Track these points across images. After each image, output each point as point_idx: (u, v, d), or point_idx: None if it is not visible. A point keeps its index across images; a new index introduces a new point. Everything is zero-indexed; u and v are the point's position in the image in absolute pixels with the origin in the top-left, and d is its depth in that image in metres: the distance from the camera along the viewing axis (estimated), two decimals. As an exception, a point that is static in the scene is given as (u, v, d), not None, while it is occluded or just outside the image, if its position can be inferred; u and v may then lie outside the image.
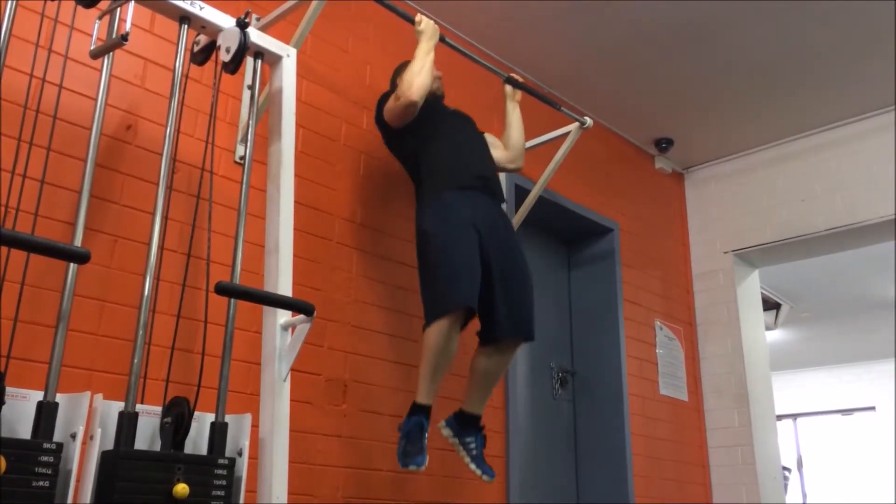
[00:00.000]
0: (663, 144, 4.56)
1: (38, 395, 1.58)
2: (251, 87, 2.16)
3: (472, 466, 2.55)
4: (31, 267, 1.80)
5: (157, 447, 1.71)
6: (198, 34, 2.14)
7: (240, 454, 1.76)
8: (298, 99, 2.48)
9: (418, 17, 2.69)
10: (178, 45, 1.97)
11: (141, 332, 1.71)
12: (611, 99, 4.12)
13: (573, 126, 3.29)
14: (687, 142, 4.58)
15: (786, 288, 6.80)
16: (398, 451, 2.40)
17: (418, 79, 2.56)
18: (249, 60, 2.19)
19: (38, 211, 1.86)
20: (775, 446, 4.45)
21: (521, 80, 3.14)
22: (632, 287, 4.17)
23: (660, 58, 3.75)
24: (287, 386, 1.90)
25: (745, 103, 4.15)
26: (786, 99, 4.10)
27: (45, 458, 1.48)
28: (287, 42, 2.28)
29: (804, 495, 9.93)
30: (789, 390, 9.63)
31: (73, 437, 1.56)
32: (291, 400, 1.92)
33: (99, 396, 1.64)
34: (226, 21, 2.05)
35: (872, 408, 9.63)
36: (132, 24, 1.81)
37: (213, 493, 1.67)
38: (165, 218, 1.94)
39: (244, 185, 1.99)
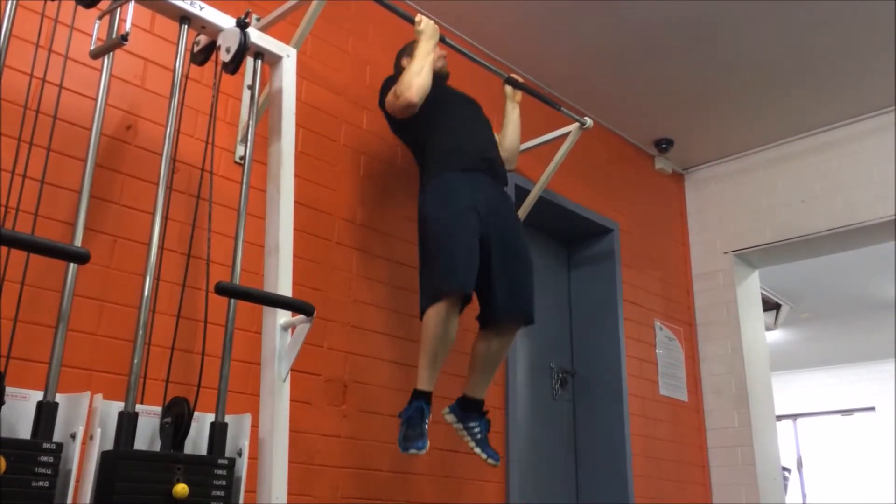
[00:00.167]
0: (663, 145, 4.56)
1: (38, 395, 1.58)
2: (251, 88, 2.16)
3: (478, 450, 2.54)
4: (31, 267, 1.80)
5: (157, 447, 1.71)
6: (198, 34, 2.14)
7: (239, 454, 1.76)
8: (298, 99, 2.48)
9: (418, 17, 2.69)
10: (178, 45, 1.97)
11: (141, 332, 1.71)
12: (611, 99, 4.12)
13: (573, 126, 3.29)
14: (687, 142, 4.58)
15: (786, 288, 6.80)
16: (399, 438, 2.40)
17: (418, 80, 2.56)
18: (249, 61, 2.19)
19: (38, 211, 1.86)
20: (775, 447, 4.45)
21: (521, 80, 3.14)
22: (632, 287, 4.17)
23: (660, 58, 3.76)
24: (287, 386, 1.90)
25: (745, 104, 4.16)
26: (786, 99, 4.11)
27: (44, 459, 1.48)
28: (287, 42, 2.28)
29: (804, 496, 9.93)
30: (789, 391, 9.63)
31: (73, 437, 1.56)
32: (291, 400, 1.92)
33: (99, 396, 1.64)
34: (226, 21, 2.06)
35: (872, 408, 9.63)
36: (132, 24, 1.81)
37: (213, 493, 1.67)
38: (165, 218, 1.94)
39: (244, 186, 1.99)
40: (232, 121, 2.59)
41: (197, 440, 1.78)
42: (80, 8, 1.89)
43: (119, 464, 1.55)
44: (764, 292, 5.91)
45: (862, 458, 9.54)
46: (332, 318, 2.68)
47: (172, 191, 2.30)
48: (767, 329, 5.98)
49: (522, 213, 3.32)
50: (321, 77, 2.91)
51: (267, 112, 2.22)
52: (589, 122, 3.29)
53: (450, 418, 2.61)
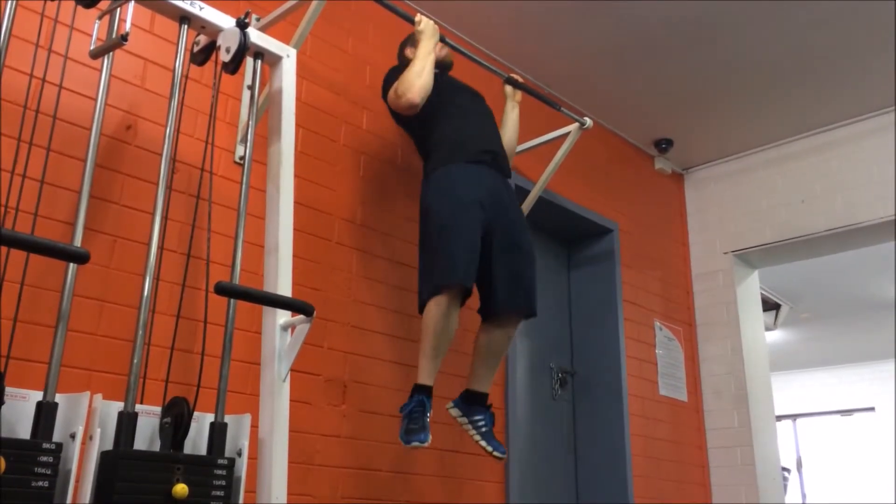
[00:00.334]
0: (663, 145, 4.56)
1: (38, 395, 1.58)
2: (251, 88, 2.16)
3: (483, 443, 2.52)
4: (30, 267, 1.80)
5: (157, 447, 1.71)
6: (198, 34, 2.14)
7: (239, 454, 1.76)
8: (298, 99, 2.48)
9: (418, 17, 2.69)
10: (177, 46, 1.97)
11: (140, 332, 1.71)
12: (611, 99, 4.12)
13: (573, 126, 3.29)
14: (687, 142, 4.58)
15: (785, 288, 6.80)
16: (400, 431, 2.39)
17: (419, 80, 2.56)
18: (249, 61, 2.19)
19: (38, 211, 1.86)
20: (775, 447, 4.45)
21: (520, 80, 3.15)
22: (631, 287, 4.17)
23: (660, 58, 3.76)
24: (286, 386, 1.90)
25: (745, 104, 4.16)
26: (786, 99, 4.11)
27: (44, 459, 1.48)
28: (287, 42, 2.28)
29: (803, 496, 9.93)
30: (789, 391, 9.63)
31: (73, 437, 1.56)
32: (291, 400, 1.92)
33: (98, 396, 1.64)
34: (226, 21, 2.05)
35: (872, 408, 9.63)
36: (132, 24, 1.81)
37: (213, 493, 1.67)
38: (165, 218, 1.94)
39: (244, 186, 1.99)
40: (232, 121, 2.59)
41: (196, 440, 1.78)
42: (79, 8, 1.89)
43: (119, 464, 1.55)
44: (764, 292, 5.91)
45: (861, 459, 9.54)
46: (331, 318, 2.68)
47: (172, 191, 2.30)
48: (767, 329, 5.98)
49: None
50: (321, 77, 2.91)
51: (267, 112, 2.22)
52: (589, 122, 3.29)
53: (454, 412, 2.60)
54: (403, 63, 2.78)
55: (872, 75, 3.87)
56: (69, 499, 1.53)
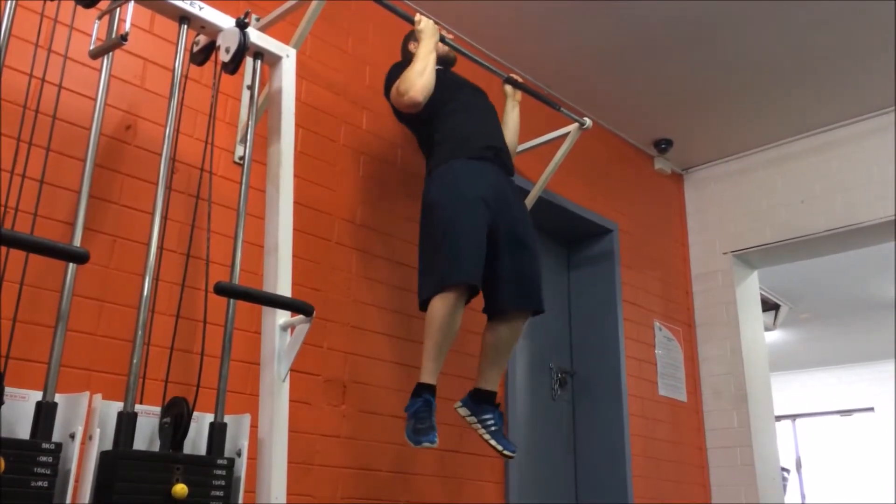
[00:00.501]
0: (663, 145, 4.56)
1: (37, 395, 1.58)
2: (251, 88, 2.16)
3: (493, 443, 2.50)
4: (30, 267, 1.80)
5: (156, 447, 1.71)
6: (197, 34, 2.14)
7: (239, 454, 1.76)
8: (298, 99, 2.49)
9: (417, 17, 2.69)
10: (177, 46, 1.97)
11: (140, 332, 1.71)
12: (610, 99, 4.12)
13: (572, 127, 3.29)
14: (686, 142, 4.58)
15: (785, 289, 6.80)
16: (407, 431, 2.36)
17: (421, 79, 2.55)
18: (249, 61, 2.19)
19: (38, 211, 1.86)
20: (774, 447, 4.45)
21: (520, 80, 3.15)
22: (631, 288, 4.17)
23: (659, 58, 3.76)
24: (286, 386, 1.90)
25: (744, 104, 4.16)
26: (785, 99, 4.11)
27: (43, 459, 1.48)
28: (287, 42, 2.28)
29: (803, 496, 9.93)
30: (788, 391, 9.63)
31: (72, 437, 1.56)
32: (290, 400, 1.92)
33: (98, 396, 1.64)
34: (225, 21, 2.05)
35: (871, 408, 9.63)
36: (132, 24, 1.81)
37: (212, 493, 1.67)
38: (165, 218, 1.94)
39: (243, 186, 1.99)
40: (231, 121, 2.59)
41: (196, 440, 1.78)
42: (79, 8, 1.89)
43: (118, 464, 1.55)
44: (763, 293, 5.91)
45: (861, 459, 9.54)
46: (331, 319, 2.68)
47: (172, 191, 2.30)
48: (767, 329, 5.98)
49: (522, 213, 3.32)
50: (321, 77, 2.91)
51: (266, 112, 2.22)
52: (588, 122, 3.29)
53: (463, 412, 2.58)
54: (407, 58, 2.78)
55: (872, 75, 3.87)
56: (68, 499, 1.53)
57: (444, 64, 2.82)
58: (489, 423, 2.53)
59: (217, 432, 1.76)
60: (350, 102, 3.00)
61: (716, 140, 4.56)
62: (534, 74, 3.88)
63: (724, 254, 4.58)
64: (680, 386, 4.33)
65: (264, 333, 1.97)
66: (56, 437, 1.55)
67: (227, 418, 1.80)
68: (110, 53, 1.89)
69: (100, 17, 1.96)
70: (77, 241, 1.70)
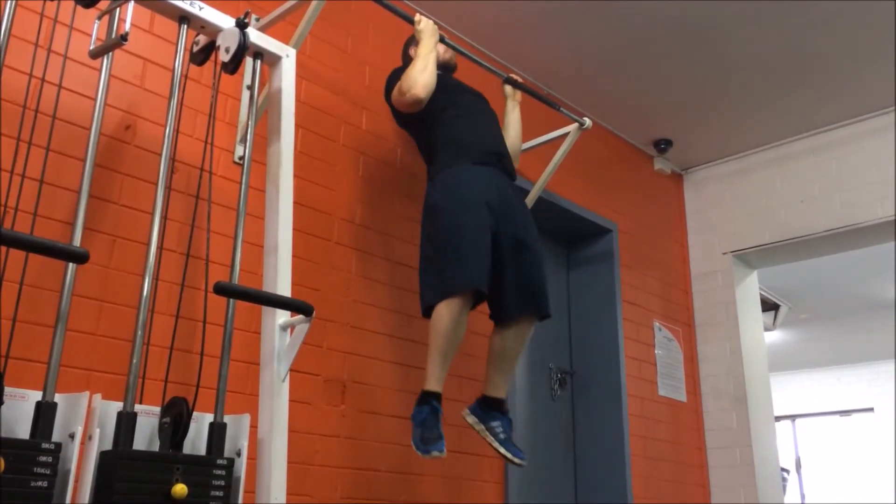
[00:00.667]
0: (662, 145, 4.56)
1: (37, 395, 1.58)
2: (250, 88, 2.16)
3: (502, 450, 2.45)
4: (30, 267, 1.80)
5: (156, 447, 1.71)
6: (197, 34, 2.14)
7: (238, 454, 1.76)
8: (298, 99, 2.49)
9: (417, 17, 2.69)
10: (177, 45, 1.97)
11: (140, 332, 1.71)
12: (610, 100, 4.12)
13: (572, 127, 3.29)
14: (686, 142, 4.58)
15: (784, 289, 6.80)
16: (414, 440, 2.32)
17: (423, 76, 2.55)
18: (249, 61, 2.19)
19: (37, 211, 1.86)
20: (774, 447, 4.45)
21: (520, 80, 3.15)
22: (631, 288, 4.17)
23: (659, 59, 3.76)
24: (286, 386, 1.90)
25: (744, 104, 4.16)
26: (785, 100, 4.11)
27: (43, 459, 1.48)
28: (286, 42, 2.28)
29: (802, 496, 9.94)
30: (788, 391, 9.63)
31: (72, 437, 1.56)
32: (290, 400, 1.92)
33: (97, 396, 1.64)
34: (225, 21, 2.05)
35: (871, 409, 9.63)
36: (132, 24, 1.81)
37: (212, 493, 1.67)
38: (164, 218, 1.94)
39: (243, 186, 1.99)
40: (231, 121, 2.59)
41: (196, 440, 1.78)
42: (79, 8, 1.89)
43: (118, 464, 1.55)
44: (763, 293, 5.91)
45: (860, 459, 9.54)
46: (331, 319, 2.68)
47: (171, 191, 2.30)
48: (766, 330, 5.98)
49: (522, 213, 3.32)
50: (320, 77, 2.91)
51: (266, 112, 2.22)
52: (588, 122, 3.29)
53: (471, 419, 2.54)
54: (407, 63, 2.78)
55: (872, 76, 3.87)
56: (68, 499, 1.53)
57: (445, 70, 2.81)
58: (497, 430, 2.49)
59: (217, 432, 1.76)
60: (350, 102, 3.00)
61: (715, 140, 4.56)
62: (533, 74, 3.88)
63: (724, 254, 4.58)
64: (679, 386, 4.33)
65: (264, 333, 1.97)
66: (56, 437, 1.55)
67: (226, 418, 1.80)
68: (110, 53, 1.89)
69: (100, 17, 1.96)
70: (77, 241, 1.70)
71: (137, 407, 1.67)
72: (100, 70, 1.88)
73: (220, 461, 1.71)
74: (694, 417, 4.38)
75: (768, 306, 6.95)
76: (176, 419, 1.71)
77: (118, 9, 1.91)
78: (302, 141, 2.73)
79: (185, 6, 1.98)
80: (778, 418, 5.71)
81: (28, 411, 1.56)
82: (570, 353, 4.05)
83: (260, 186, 2.29)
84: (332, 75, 2.96)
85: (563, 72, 3.87)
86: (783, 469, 6.09)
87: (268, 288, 1.98)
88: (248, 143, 2.08)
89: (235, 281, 1.92)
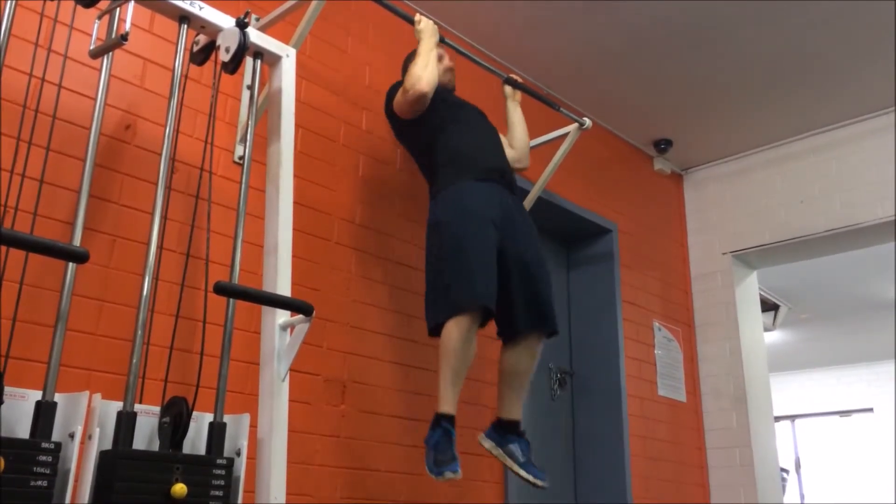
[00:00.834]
0: (662, 145, 4.56)
1: (37, 395, 1.58)
2: (250, 88, 2.16)
3: (523, 473, 2.39)
4: (29, 266, 1.80)
5: (156, 447, 1.71)
6: (197, 34, 2.14)
7: (238, 454, 1.77)
8: (298, 99, 2.49)
9: (417, 17, 2.69)
10: (177, 45, 1.97)
11: (140, 331, 1.71)
12: (610, 100, 4.12)
13: (572, 127, 3.30)
14: (686, 143, 4.58)
15: (784, 289, 6.80)
16: (427, 464, 2.26)
17: (426, 72, 2.53)
18: (249, 60, 2.19)
19: (37, 210, 1.86)
20: (773, 447, 4.45)
21: (519, 80, 3.15)
22: (630, 288, 4.17)
23: (659, 59, 3.76)
24: (286, 386, 1.90)
25: (744, 104, 4.16)
26: (785, 100, 4.11)
27: (43, 458, 1.48)
28: (286, 42, 2.28)
29: (802, 496, 9.94)
30: (787, 391, 9.63)
31: (72, 436, 1.56)
32: (290, 400, 1.92)
33: (97, 396, 1.64)
34: (225, 21, 2.06)
35: (870, 409, 9.63)
36: (132, 24, 1.81)
37: (212, 493, 1.67)
38: (164, 218, 1.94)
39: (243, 185, 1.99)
40: (231, 121, 2.59)
41: (195, 440, 1.78)
42: (79, 8, 1.89)
43: (117, 463, 1.55)
44: (762, 293, 5.91)
45: (860, 460, 9.54)
46: (330, 318, 2.68)
47: (171, 190, 2.30)
48: (766, 330, 5.99)
49: (521, 213, 3.32)
50: (320, 77, 2.91)
51: (266, 112, 2.22)
52: (588, 122, 3.29)
53: (487, 444, 2.49)
54: None
55: (872, 76, 3.88)
56: (68, 498, 1.53)
57: (445, 91, 2.79)
58: (516, 453, 2.44)
59: (216, 432, 1.77)
60: (350, 102, 3.00)
61: (715, 140, 4.56)
62: (533, 74, 3.88)
63: (724, 254, 4.58)
64: (679, 386, 4.33)
65: (264, 333, 1.97)
66: (55, 437, 1.55)
67: (226, 418, 1.80)
68: (110, 53, 1.89)
69: (100, 17, 1.96)
70: (77, 241, 1.70)
71: (137, 406, 1.67)
72: (100, 70, 1.88)
73: (219, 461, 1.71)
74: (694, 417, 4.38)
75: (768, 306, 6.95)
76: (176, 419, 1.72)
77: (118, 9, 1.91)
78: (302, 141, 2.73)
79: (185, 6, 1.98)
80: (777, 418, 5.71)
81: (28, 411, 1.57)
82: (569, 354, 4.05)
83: (260, 186, 2.29)
84: (332, 75, 2.96)
85: (562, 72, 3.87)
86: (783, 469, 6.09)
87: (268, 288, 1.99)
88: (248, 143, 2.08)
89: (235, 281, 1.92)
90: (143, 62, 2.39)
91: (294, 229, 2.06)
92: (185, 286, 2.13)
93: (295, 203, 2.11)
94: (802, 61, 3.77)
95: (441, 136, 2.65)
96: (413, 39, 2.69)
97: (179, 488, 1.60)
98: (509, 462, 2.43)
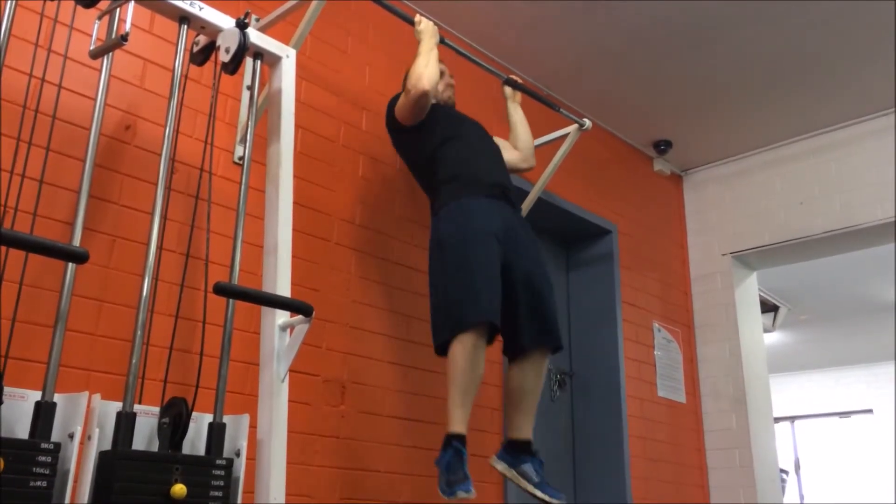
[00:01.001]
0: (662, 146, 4.56)
1: (36, 395, 1.58)
2: (250, 88, 2.16)
3: (539, 494, 2.34)
4: (29, 266, 1.80)
5: (155, 447, 1.71)
6: (197, 34, 2.14)
7: (238, 455, 1.76)
8: (297, 100, 2.49)
9: (417, 18, 2.69)
10: (177, 46, 1.97)
11: (139, 332, 1.71)
12: (610, 101, 4.13)
13: (572, 128, 3.30)
14: (686, 144, 4.58)
15: (784, 290, 6.81)
16: (440, 486, 2.22)
17: (427, 70, 2.52)
18: (249, 61, 2.19)
19: (37, 210, 1.86)
20: (773, 449, 4.45)
21: (519, 81, 3.15)
22: (630, 289, 4.17)
23: (659, 60, 3.76)
24: (285, 386, 1.90)
25: (743, 105, 4.16)
26: (784, 101, 4.11)
27: (42, 458, 1.48)
28: (286, 43, 2.28)
29: (801, 498, 9.94)
30: (787, 393, 9.63)
31: (71, 437, 1.56)
32: (289, 400, 1.92)
33: (97, 396, 1.64)
34: (225, 21, 2.06)
35: (870, 410, 9.64)
36: (132, 25, 1.81)
37: (211, 493, 1.67)
38: (164, 218, 1.94)
39: (243, 186, 1.99)
40: (231, 121, 2.59)
41: (195, 440, 1.78)
42: (79, 8, 1.90)
43: (117, 464, 1.55)
44: (762, 294, 5.92)
45: (860, 461, 9.54)
46: (330, 319, 2.68)
47: (171, 191, 2.30)
48: (765, 331, 5.99)
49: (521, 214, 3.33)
50: (320, 78, 2.91)
51: (266, 112, 2.22)
52: (588, 123, 3.29)
53: (500, 466, 2.44)
54: None
55: (871, 77, 3.88)
56: (67, 499, 1.53)
57: (445, 104, 2.79)
58: (530, 473, 2.38)
59: (216, 432, 1.76)
60: (350, 103, 3.00)
61: (715, 141, 4.56)
62: (533, 75, 3.88)
63: (724, 255, 4.59)
64: (679, 387, 4.33)
65: (263, 334, 1.97)
66: (55, 437, 1.55)
67: (226, 418, 1.80)
68: (110, 53, 1.89)
69: (100, 17, 1.96)
70: (76, 241, 1.70)
71: (137, 407, 1.67)
72: (100, 70, 1.88)
73: (219, 461, 1.71)
74: (693, 419, 4.38)
75: (768, 308, 6.95)
76: (175, 419, 1.72)
77: (118, 9, 1.91)
78: (302, 141, 2.73)
79: (185, 6, 1.98)
80: (777, 420, 5.71)
81: (27, 411, 1.56)
82: (569, 355, 4.05)
83: (260, 187, 2.29)
84: (332, 76, 2.96)
85: (562, 72, 3.87)
86: (782, 470, 6.09)
87: (267, 288, 1.99)
88: (247, 144, 2.08)
89: (235, 281, 1.92)
90: (143, 62, 2.39)
91: (294, 230, 2.06)
92: (185, 286, 2.13)
93: (295, 203, 2.11)
94: (802, 62, 3.77)
95: (442, 152, 2.63)
96: (412, 40, 2.69)
97: (179, 489, 1.60)
98: (524, 483, 2.38)
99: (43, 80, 1.97)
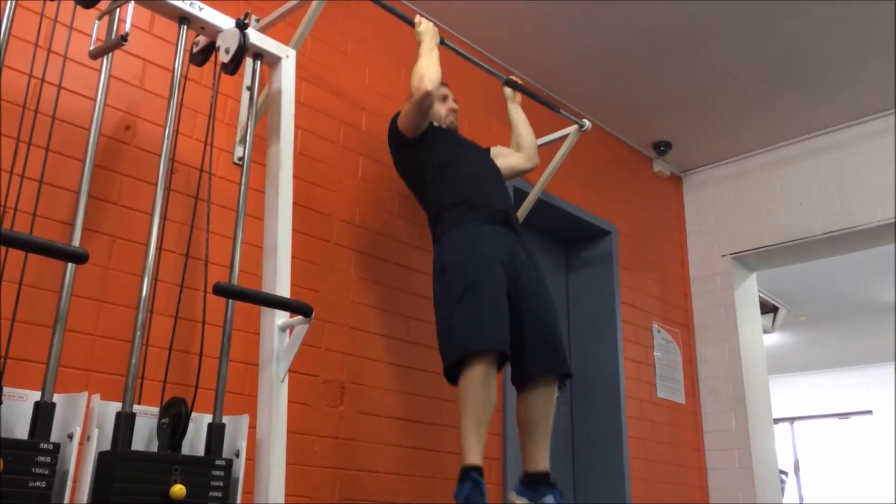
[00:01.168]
0: (662, 147, 4.56)
1: (36, 396, 1.58)
2: (250, 89, 2.16)
3: None
4: (29, 267, 1.80)
5: (155, 448, 1.71)
6: (197, 35, 2.14)
7: (237, 455, 1.76)
8: (297, 100, 2.49)
9: (417, 19, 2.69)
10: (177, 46, 1.97)
11: (139, 332, 1.71)
12: (609, 102, 4.13)
13: (572, 129, 3.30)
14: (685, 145, 4.58)
15: (783, 291, 6.81)
16: None
17: (429, 71, 2.52)
18: (249, 61, 2.19)
19: (37, 211, 1.86)
20: (772, 450, 4.45)
21: (519, 82, 3.15)
22: (630, 290, 4.17)
23: (659, 61, 3.76)
24: (285, 387, 1.90)
25: (743, 107, 4.16)
26: (784, 102, 4.11)
27: (41, 459, 1.48)
28: (286, 43, 2.28)
29: (801, 499, 9.94)
30: (786, 394, 9.64)
31: (70, 437, 1.56)
32: (289, 401, 1.92)
33: (96, 397, 1.64)
34: (225, 22, 2.06)
35: (869, 411, 9.64)
36: (132, 25, 1.81)
37: (211, 493, 1.67)
38: (164, 218, 1.94)
39: (243, 186, 1.99)
40: (231, 121, 2.59)
41: (194, 441, 1.78)
42: (79, 8, 1.89)
43: (116, 464, 1.55)
44: (761, 295, 5.92)
45: (859, 462, 9.55)
46: (330, 320, 2.68)
47: (171, 191, 2.30)
48: (765, 332, 5.99)
49: (521, 214, 3.32)
50: (320, 78, 2.91)
51: (266, 113, 2.22)
52: (587, 124, 3.29)
53: (520, 502, 2.36)
54: None
55: (871, 78, 3.88)
56: (66, 499, 1.53)
57: (448, 129, 2.78)
58: None
59: (215, 433, 1.76)
60: (349, 104, 3.00)
61: (715, 143, 4.57)
62: (533, 76, 3.88)
63: (723, 256, 4.59)
64: (678, 388, 4.33)
65: (263, 334, 1.97)
66: (54, 438, 1.55)
67: (225, 419, 1.80)
68: (110, 54, 1.89)
69: (100, 18, 1.96)
70: (76, 242, 1.70)
71: (136, 407, 1.67)
72: (100, 70, 1.88)
73: (218, 462, 1.71)
74: (692, 419, 4.38)
75: (767, 308, 6.95)
76: (175, 420, 1.71)
77: (118, 9, 1.91)
78: (301, 142, 2.73)
79: (185, 7, 1.98)
80: (776, 420, 5.71)
81: (27, 411, 1.56)
82: (569, 355, 4.04)
83: (259, 187, 2.29)
84: (332, 76, 2.96)
85: (562, 73, 3.87)
86: (781, 471, 6.09)
87: (267, 289, 1.98)
88: (247, 144, 2.08)
89: (235, 282, 1.92)
90: (143, 63, 2.39)
91: (293, 230, 2.06)
92: (185, 287, 2.13)
93: (294, 204, 2.11)
94: (802, 63, 3.77)
95: (444, 177, 2.61)
96: (413, 41, 2.69)
97: (178, 489, 1.60)
98: None
99: (43, 80, 1.97)
